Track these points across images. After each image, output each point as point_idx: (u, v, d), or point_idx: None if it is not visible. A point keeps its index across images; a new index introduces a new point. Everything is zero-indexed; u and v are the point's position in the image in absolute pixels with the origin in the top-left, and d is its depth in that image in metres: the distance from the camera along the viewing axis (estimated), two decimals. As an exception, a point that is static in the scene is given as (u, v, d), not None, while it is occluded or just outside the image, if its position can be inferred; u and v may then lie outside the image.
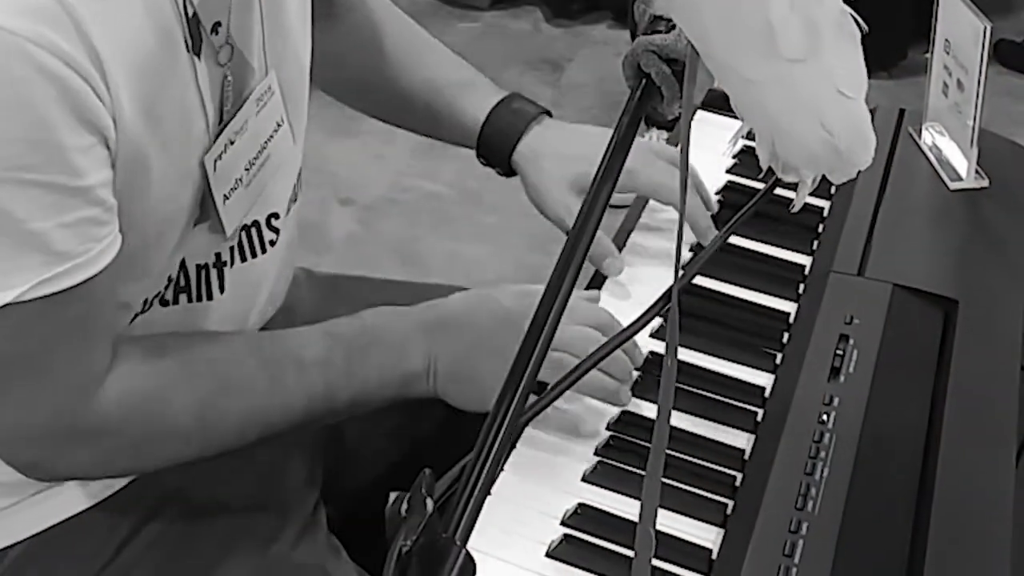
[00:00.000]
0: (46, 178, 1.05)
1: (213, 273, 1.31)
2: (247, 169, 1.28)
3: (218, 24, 1.20)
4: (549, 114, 1.58)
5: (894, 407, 1.23)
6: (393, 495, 0.80)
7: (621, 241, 1.52)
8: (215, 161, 1.22)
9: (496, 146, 1.56)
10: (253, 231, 1.35)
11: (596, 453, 1.24)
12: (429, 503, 0.77)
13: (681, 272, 1.02)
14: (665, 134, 3.41)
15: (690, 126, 1.01)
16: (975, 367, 1.28)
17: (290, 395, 1.26)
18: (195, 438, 1.23)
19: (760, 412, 1.27)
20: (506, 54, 4.11)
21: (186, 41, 1.16)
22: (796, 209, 1.07)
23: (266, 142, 1.31)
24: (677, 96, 1.07)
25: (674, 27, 1.11)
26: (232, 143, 1.24)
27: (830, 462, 1.16)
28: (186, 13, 1.15)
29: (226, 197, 1.25)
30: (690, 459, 1.23)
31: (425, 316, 1.32)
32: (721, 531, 1.16)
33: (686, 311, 1.37)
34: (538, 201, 1.54)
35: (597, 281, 1.46)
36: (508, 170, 1.57)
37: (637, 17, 1.14)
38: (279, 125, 1.33)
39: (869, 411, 1.21)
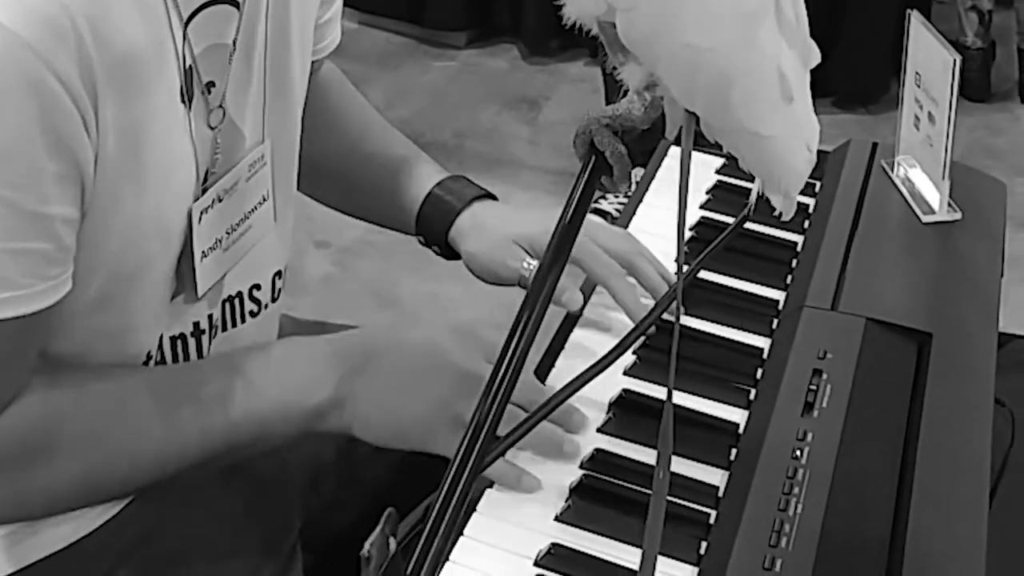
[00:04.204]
0: (10, 194, 1.03)
1: (191, 342, 1.28)
2: (228, 233, 1.26)
3: (211, 84, 1.18)
4: (494, 198, 1.52)
5: (868, 442, 1.22)
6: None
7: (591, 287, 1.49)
8: (201, 213, 1.20)
9: (434, 224, 1.49)
10: (236, 302, 1.32)
11: (569, 492, 1.23)
12: (392, 543, 0.76)
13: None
14: (639, 170, 3.40)
15: (686, 188, 0.99)
16: (949, 401, 1.28)
17: (185, 434, 1.20)
18: (82, 476, 1.18)
19: (734, 448, 1.26)
20: (483, 93, 4.12)
21: (182, 90, 1.15)
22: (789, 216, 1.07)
23: (250, 212, 1.29)
24: (626, 175, 1.06)
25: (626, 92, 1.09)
26: (220, 200, 1.23)
27: (804, 498, 1.15)
28: (184, 63, 1.14)
29: (204, 255, 1.23)
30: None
31: (340, 346, 1.25)
32: (695, 569, 1.15)
33: (659, 347, 1.37)
34: (474, 261, 1.46)
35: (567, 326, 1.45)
36: (446, 249, 1.50)
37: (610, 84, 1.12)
38: (264, 200, 1.30)
39: (843, 446, 1.20)
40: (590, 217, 1.48)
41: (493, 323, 1.45)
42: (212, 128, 1.20)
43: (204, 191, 1.21)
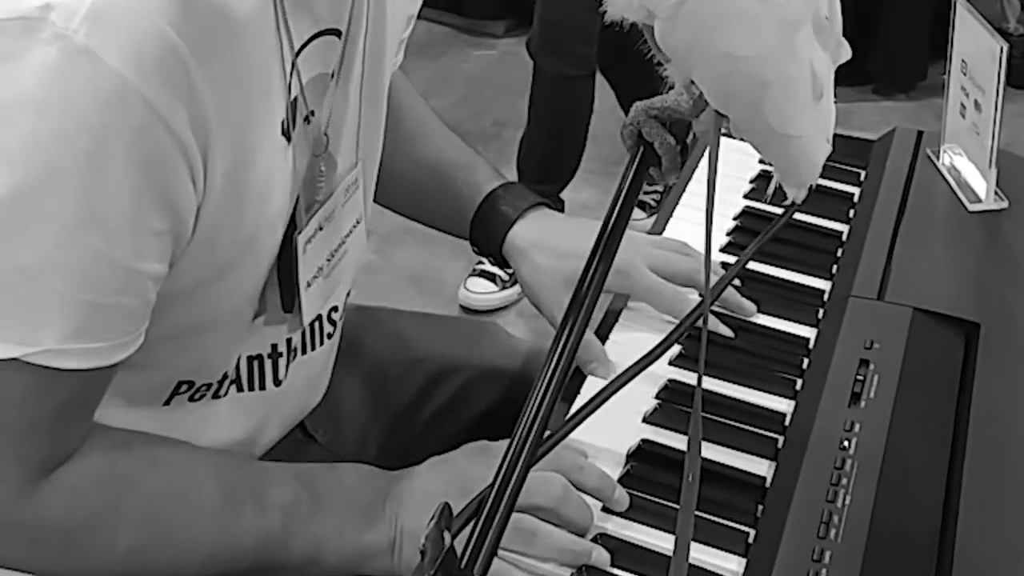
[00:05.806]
0: (106, 247, 1.00)
1: (268, 364, 1.26)
2: (328, 260, 1.25)
3: (312, 112, 1.17)
4: (550, 206, 1.50)
5: (916, 432, 1.22)
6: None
7: (622, 302, 1.46)
8: (306, 244, 1.19)
9: (488, 233, 1.47)
10: (316, 325, 1.31)
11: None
12: (447, 537, 0.76)
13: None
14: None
15: (714, 187, 0.99)
16: (998, 391, 1.27)
17: (242, 534, 1.16)
18: (133, 552, 1.13)
19: (780, 439, 1.26)
20: (522, 81, 4.10)
21: (283, 121, 1.13)
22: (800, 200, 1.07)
23: (346, 237, 1.28)
24: (676, 166, 1.06)
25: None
26: (321, 228, 1.22)
27: (852, 489, 1.14)
28: (290, 94, 1.13)
29: (308, 284, 1.22)
30: (711, 487, 1.21)
31: (396, 485, 1.20)
32: (743, 560, 1.15)
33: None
34: (532, 297, 1.45)
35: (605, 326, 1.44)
36: (500, 259, 1.48)
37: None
38: (358, 223, 1.30)
39: (891, 437, 1.20)
40: (639, 236, 1.47)
41: (532, 315, 1.44)
42: (316, 156, 1.18)
43: (307, 221, 1.19)
